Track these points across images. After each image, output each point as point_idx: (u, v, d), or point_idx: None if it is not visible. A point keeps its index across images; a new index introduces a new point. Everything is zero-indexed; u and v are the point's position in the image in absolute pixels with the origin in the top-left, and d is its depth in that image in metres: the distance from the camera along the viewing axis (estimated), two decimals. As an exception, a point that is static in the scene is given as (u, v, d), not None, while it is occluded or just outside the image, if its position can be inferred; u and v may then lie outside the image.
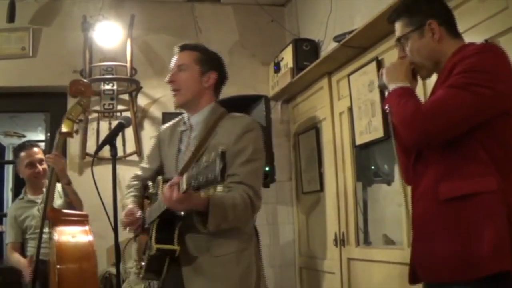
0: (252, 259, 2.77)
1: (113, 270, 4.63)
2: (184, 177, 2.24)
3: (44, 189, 4.03)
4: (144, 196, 2.93)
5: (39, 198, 4.18)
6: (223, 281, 2.64)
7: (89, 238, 3.77)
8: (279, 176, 5.02)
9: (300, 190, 5.40)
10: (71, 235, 3.71)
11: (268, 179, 4.71)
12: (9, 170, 7.90)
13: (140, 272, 2.73)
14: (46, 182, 4.17)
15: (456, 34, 2.30)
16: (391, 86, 2.29)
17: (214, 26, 5.68)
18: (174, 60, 2.87)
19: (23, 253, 4.20)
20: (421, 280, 2.29)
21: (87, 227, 3.87)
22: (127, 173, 3.33)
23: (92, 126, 5.24)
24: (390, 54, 3.77)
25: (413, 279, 2.33)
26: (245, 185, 2.59)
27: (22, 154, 4.26)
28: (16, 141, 8.05)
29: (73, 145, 5.22)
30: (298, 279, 5.44)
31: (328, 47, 4.68)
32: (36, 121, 7.15)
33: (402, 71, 2.30)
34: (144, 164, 3.07)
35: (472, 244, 2.01)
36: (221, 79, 2.94)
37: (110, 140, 2.67)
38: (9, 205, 6.94)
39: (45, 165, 4.25)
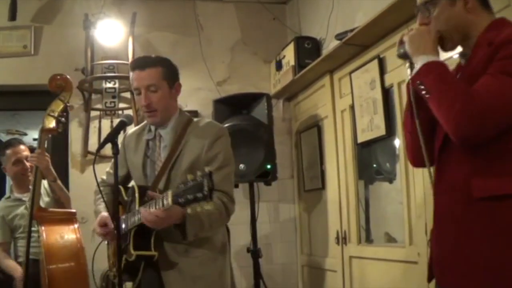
0: (227, 258, 2.91)
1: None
2: (169, 193, 2.33)
3: (30, 187, 4.03)
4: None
5: (26, 196, 4.15)
6: (204, 281, 2.75)
7: (77, 236, 3.73)
8: (281, 174, 5.02)
9: (302, 188, 5.40)
10: (58, 234, 3.67)
11: (270, 177, 4.71)
12: (11, 168, 7.89)
13: (115, 275, 2.78)
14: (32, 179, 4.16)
15: (487, 6, 2.06)
16: (419, 59, 1.97)
17: (215, 24, 5.67)
18: (136, 78, 2.83)
19: (15, 252, 4.18)
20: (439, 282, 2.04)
21: (75, 225, 3.82)
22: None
23: (94, 124, 5.24)
24: (392, 52, 3.76)
25: (431, 278, 2.13)
26: (219, 191, 2.66)
27: (8, 151, 4.23)
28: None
29: (75, 143, 5.22)
30: (300, 277, 5.45)
31: (329, 45, 4.68)
32: (38, 119, 7.09)
33: (430, 41, 2.01)
34: (110, 170, 3.08)
35: (508, 252, 1.78)
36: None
37: (111, 138, 2.67)
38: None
39: None
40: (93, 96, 5.28)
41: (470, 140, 1.85)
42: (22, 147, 4.28)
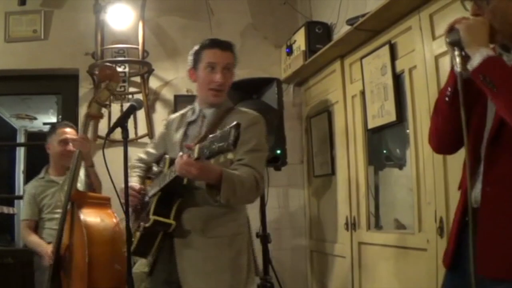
0: (244, 244, 2.92)
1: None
2: (196, 146, 2.35)
3: (67, 171, 4.05)
4: (147, 177, 3.08)
5: (61, 179, 4.21)
6: (214, 263, 2.77)
7: (114, 220, 3.76)
8: (290, 159, 5.01)
9: (312, 174, 5.40)
10: (98, 217, 3.70)
11: (280, 162, 4.71)
12: (20, 153, 7.92)
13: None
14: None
15: None
16: (478, 51, 1.92)
17: (226, 8, 5.64)
18: (218, 55, 2.92)
19: (39, 234, 4.20)
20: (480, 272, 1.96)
21: (110, 210, 3.86)
22: (139, 156, 3.34)
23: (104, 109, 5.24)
24: (403, 38, 3.74)
25: (450, 264, 2.15)
26: (250, 167, 2.74)
27: (58, 130, 4.29)
28: (28, 124, 8.09)
29: (85, 127, 5.24)
30: (308, 262, 5.46)
31: (340, 30, 4.65)
32: (48, 104, 7.18)
33: (485, 34, 1.96)
34: (149, 149, 3.20)
35: None
36: None
37: (121, 122, 2.68)
38: (21, 188, 6.97)
39: None
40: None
41: None
42: (71, 130, 4.33)
